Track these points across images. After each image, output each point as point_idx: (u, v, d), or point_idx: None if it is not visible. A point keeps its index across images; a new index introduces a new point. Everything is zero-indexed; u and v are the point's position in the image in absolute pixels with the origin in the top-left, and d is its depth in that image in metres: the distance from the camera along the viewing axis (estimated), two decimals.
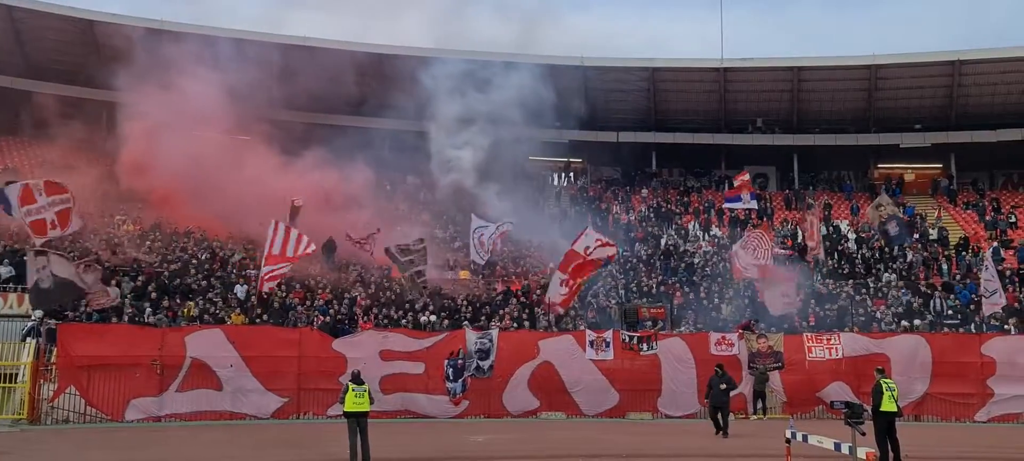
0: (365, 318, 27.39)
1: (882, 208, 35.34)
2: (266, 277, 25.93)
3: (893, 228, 34.69)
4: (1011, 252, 35.45)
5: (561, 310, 27.99)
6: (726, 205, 38.03)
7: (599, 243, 27.55)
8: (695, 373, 25.06)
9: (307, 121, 40.00)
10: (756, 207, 38.11)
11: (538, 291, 30.38)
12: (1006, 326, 28.17)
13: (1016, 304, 29.97)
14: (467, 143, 38.27)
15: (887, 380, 15.31)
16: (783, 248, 33.67)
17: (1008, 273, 32.95)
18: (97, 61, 36.74)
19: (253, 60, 34.64)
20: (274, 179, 32.37)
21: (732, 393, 21.85)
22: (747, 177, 37.31)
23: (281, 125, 37.97)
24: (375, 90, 38.74)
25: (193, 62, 33.06)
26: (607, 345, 25.35)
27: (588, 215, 39.00)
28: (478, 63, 38.49)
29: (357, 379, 16.00)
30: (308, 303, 27.94)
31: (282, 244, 25.81)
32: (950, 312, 29.99)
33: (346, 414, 15.58)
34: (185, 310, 26.23)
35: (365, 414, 15.56)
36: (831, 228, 38.40)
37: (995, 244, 36.03)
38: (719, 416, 20.45)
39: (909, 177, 44.36)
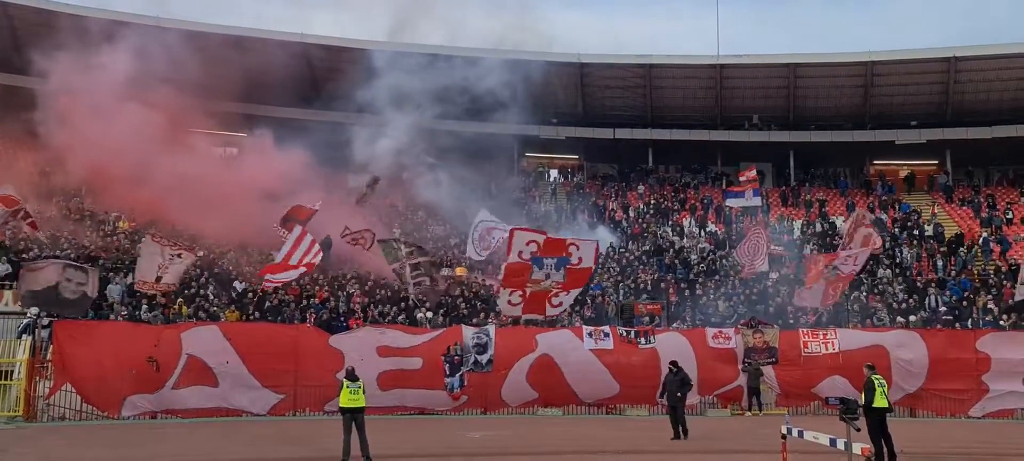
0: (361, 315, 27.37)
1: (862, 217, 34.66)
2: (270, 279, 25.85)
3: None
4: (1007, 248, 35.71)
5: (519, 314, 26.93)
6: (728, 202, 38.03)
7: (532, 243, 25.90)
8: (695, 367, 25.05)
9: (307, 118, 40.21)
10: (759, 204, 38.06)
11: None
12: (1001, 322, 28.26)
13: (1011, 300, 30.07)
14: (454, 138, 38.49)
15: (877, 376, 15.35)
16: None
17: (1003, 269, 33.12)
18: (31, 47, 35.25)
19: (208, 51, 34.10)
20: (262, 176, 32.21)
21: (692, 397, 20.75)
22: (753, 173, 37.22)
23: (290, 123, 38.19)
24: (366, 84, 38.67)
25: (137, 51, 32.42)
26: (606, 336, 25.34)
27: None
28: (475, 61, 38.51)
29: (351, 375, 16.05)
30: (304, 302, 27.93)
31: (293, 250, 25.69)
32: (944, 309, 30.07)
33: (341, 410, 15.63)
34: (178, 306, 26.19)
35: (360, 410, 15.61)
36: (827, 225, 38.48)
37: (984, 235, 36.23)
38: (675, 417, 18.92)
39: (904, 173, 44.45)
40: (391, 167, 38.22)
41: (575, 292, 27.13)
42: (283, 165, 33.16)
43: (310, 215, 29.02)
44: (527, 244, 25.62)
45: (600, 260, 34.08)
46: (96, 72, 31.52)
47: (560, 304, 26.70)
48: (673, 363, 20.24)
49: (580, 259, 26.04)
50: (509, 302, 26.42)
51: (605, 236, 36.37)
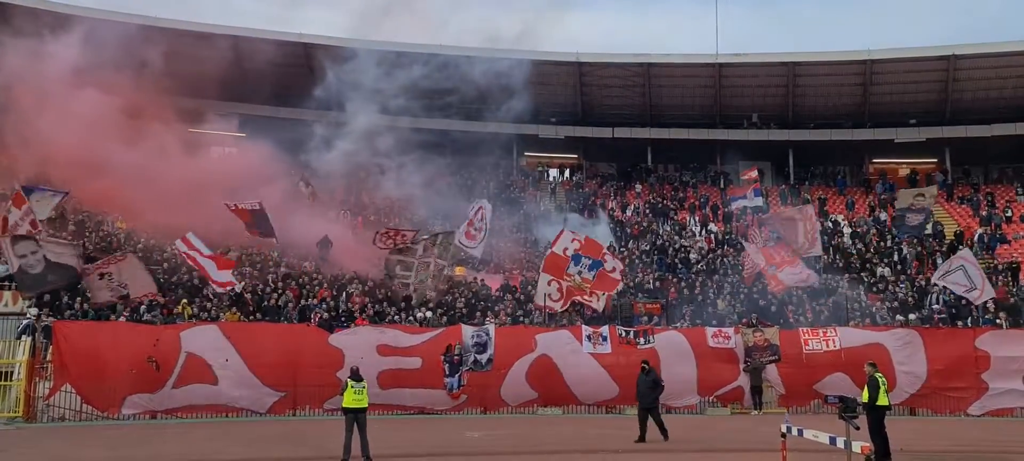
0: (361, 314, 27.35)
1: (921, 198, 34.44)
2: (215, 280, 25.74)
3: (913, 219, 34.41)
4: (1006, 246, 35.73)
5: (557, 309, 27.81)
6: (734, 204, 37.98)
7: (575, 241, 27.60)
8: (694, 366, 25.12)
9: (303, 118, 40.03)
10: (760, 204, 38.02)
11: (531, 287, 30.31)
12: (998, 320, 28.28)
13: (1007, 298, 30.09)
14: (452, 138, 38.33)
15: (880, 374, 15.36)
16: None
17: (1001, 267, 33.15)
18: None
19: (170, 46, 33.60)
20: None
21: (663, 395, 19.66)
22: (754, 173, 37.17)
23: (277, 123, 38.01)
24: (363, 83, 38.61)
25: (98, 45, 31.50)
26: (604, 339, 25.35)
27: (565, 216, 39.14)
28: (474, 60, 38.48)
29: (356, 375, 16.05)
30: (302, 301, 27.88)
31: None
32: (938, 306, 30.07)
33: (343, 410, 15.63)
34: (179, 307, 26.18)
35: (363, 410, 15.65)
36: (829, 222, 38.48)
37: (979, 232, 36.38)
38: (651, 419, 18.25)
39: (903, 171, 44.50)
40: (387, 166, 38.25)
41: (605, 296, 28.13)
42: (274, 165, 33.16)
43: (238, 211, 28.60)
44: (572, 242, 27.65)
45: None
46: (57, 65, 31.00)
47: (591, 304, 27.97)
48: (644, 362, 19.60)
49: (614, 268, 28.09)
50: (549, 296, 27.38)
51: (576, 222, 36.33)
